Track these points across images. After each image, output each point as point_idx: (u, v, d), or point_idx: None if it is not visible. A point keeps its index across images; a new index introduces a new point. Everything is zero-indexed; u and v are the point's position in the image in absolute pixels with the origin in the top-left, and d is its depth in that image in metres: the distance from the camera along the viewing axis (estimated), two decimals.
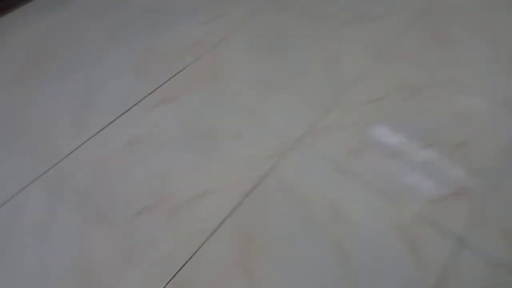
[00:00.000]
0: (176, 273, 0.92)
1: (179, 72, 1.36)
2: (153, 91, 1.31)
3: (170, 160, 1.13)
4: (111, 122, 1.22)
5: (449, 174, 1.05)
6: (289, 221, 0.99)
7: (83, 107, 1.28)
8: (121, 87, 1.33)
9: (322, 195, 1.03)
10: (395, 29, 1.45)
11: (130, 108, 1.26)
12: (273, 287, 0.89)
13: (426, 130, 1.15)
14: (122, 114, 1.24)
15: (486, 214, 0.97)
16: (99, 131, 1.20)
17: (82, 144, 1.18)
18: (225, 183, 1.07)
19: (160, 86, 1.32)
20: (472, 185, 1.02)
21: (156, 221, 1.01)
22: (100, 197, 1.06)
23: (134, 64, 1.41)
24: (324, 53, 1.38)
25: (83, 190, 1.08)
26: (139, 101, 1.28)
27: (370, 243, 0.94)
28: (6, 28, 1.62)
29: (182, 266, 0.93)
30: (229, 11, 1.58)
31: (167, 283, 0.91)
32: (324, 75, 1.31)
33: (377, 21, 1.49)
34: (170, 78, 1.35)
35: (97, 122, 1.23)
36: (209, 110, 1.24)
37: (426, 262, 0.90)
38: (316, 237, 0.96)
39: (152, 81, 1.34)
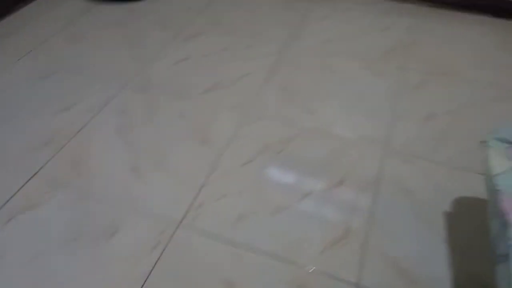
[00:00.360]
0: None
1: (36, 172, 1.21)
2: (7, 201, 1.13)
3: (37, 279, 0.96)
4: None
5: (332, 218, 1.08)
6: None
7: None
8: None
9: (217, 275, 0.96)
10: (251, 90, 1.51)
11: None
12: None
13: (304, 177, 1.19)
14: None
15: (372, 251, 1.00)
16: None
17: None
18: None
19: (15, 194, 1.15)
20: (354, 224, 1.06)
21: None
22: None
23: None
24: (191, 125, 1.36)
25: None
26: None
27: None
28: None
29: None
30: (84, 98, 1.47)
31: None
32: (194, 148, 1.29)
33: (233, 85, 1.53)
34: (27, 182, 1.18)
35: None
36: (77, 210, 1.11)
37: None
38: None
39: (3, 189, 1.16)
